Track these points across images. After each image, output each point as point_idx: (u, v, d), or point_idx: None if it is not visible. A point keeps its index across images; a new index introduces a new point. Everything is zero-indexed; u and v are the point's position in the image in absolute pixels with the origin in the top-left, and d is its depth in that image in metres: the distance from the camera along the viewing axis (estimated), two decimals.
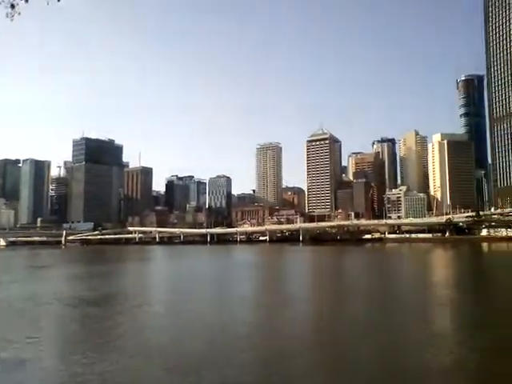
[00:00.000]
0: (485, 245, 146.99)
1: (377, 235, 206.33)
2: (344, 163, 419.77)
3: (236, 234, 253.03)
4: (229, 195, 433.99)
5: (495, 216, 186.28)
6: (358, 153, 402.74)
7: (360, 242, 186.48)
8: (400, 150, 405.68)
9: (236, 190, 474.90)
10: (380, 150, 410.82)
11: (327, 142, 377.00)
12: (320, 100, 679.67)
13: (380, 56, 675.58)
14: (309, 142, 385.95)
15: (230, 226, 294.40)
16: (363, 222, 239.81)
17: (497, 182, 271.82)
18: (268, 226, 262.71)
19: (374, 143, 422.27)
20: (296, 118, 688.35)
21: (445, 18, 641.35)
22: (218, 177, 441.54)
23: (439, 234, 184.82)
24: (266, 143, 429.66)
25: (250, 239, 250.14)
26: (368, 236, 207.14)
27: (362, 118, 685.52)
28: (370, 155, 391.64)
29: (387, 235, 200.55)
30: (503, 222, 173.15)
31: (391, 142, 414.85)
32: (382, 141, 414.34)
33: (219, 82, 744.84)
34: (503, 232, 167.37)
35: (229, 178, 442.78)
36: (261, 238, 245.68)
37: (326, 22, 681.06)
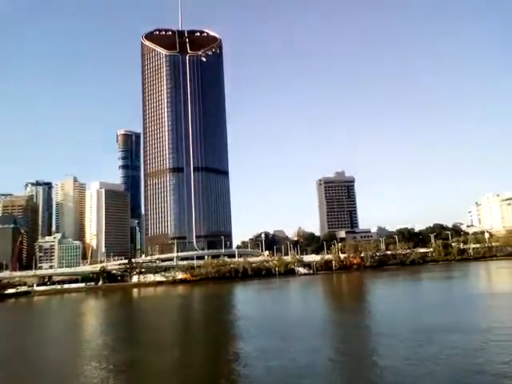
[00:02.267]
0: (135, 290, 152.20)
1: (23, 288, 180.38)
2: None
3: None
4: None
5: (145, 263, 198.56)
6: (8, 194, 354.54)
7: (2, 298, 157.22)
8: (57, 195, 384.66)
9: None
10: (34, 193, 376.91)
11: None
12: None
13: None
14: None
15: None
16: (7, 274, 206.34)
17: (148, 231, 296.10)
18: None
19: (27, 185, 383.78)
20: None
21: (104, 75, 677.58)
22: None
23: (93, 283, 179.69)
24: None
25: None
26: (12, 290, 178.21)
27: (13, 155, 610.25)
28: (22, 198, 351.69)
29: (36, 287, 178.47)
30: (152, 268, 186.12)
31: (48, 186, 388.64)
32: (38, 184, 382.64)
33: None
34: (151, 277, 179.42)
35: None
36: None
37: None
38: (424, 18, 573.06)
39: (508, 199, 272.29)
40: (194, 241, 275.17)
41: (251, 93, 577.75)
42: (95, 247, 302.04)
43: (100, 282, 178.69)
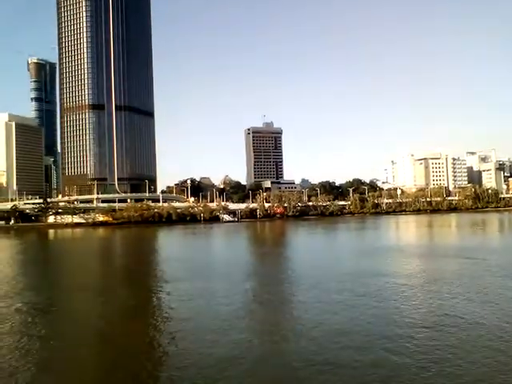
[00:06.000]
0: (51, 231, 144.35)
1: None
2: None
3: None
4: None
5: (62, 203, 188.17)
6: None
7: None
8: None
9: None
10: None
11: None
12: None
13: None
14: None
15: None
16: None
17: (65, 170, 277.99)
18: None
19: None
20: None
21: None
22: None
23: (3, 222, 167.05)
24: None
25: None
26: None
27: None
28: None
29: None
30: (69, 209, 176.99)
31: None
32: None
33: None
34: (69, 218, 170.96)
35: None
36: None
37: None
38: None
39: (421, 159, 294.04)
40: (116, 183, 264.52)
41: (183, 31, 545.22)
42: (5, 184, 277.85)
43: (12, 222, 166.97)
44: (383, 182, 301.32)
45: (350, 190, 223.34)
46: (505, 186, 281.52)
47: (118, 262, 61.05)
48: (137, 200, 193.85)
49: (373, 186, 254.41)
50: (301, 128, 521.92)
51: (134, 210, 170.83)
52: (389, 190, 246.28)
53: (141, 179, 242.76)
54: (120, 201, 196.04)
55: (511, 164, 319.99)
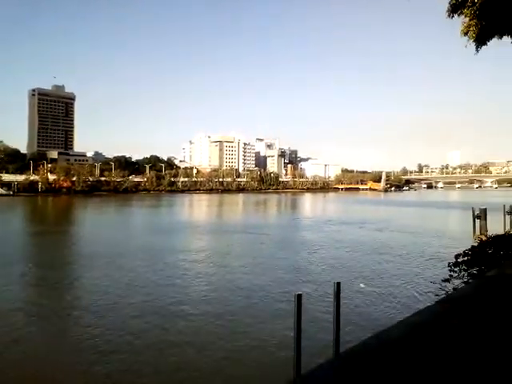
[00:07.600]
0: None
1: None
2: None
3: None
4: None
5: None
6: None
7: None
8: None
9: None
10: None
11: None
12: None
13: None
14: None
15: None
16: None
17: None
18: None
19: None
20: None
21: None
22: None
23: None
24: None
25: None
26: None
27: None
28: None
29: None
30: None
31: None
32: None
33: None
34: None
35: None
36: None
37: None
38: None
39: (216, 141, 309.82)
40: None
41: None
42: None
43: None
44: (181, 161, 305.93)
45: (147, 166, 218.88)
46: (284, 171, 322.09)
47: None
48: None
49: (170, 164, 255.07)
50: (97, 96, 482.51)
51: None
52: (185, 168, 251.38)
53: None
54: None
55: (290, 152, 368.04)
